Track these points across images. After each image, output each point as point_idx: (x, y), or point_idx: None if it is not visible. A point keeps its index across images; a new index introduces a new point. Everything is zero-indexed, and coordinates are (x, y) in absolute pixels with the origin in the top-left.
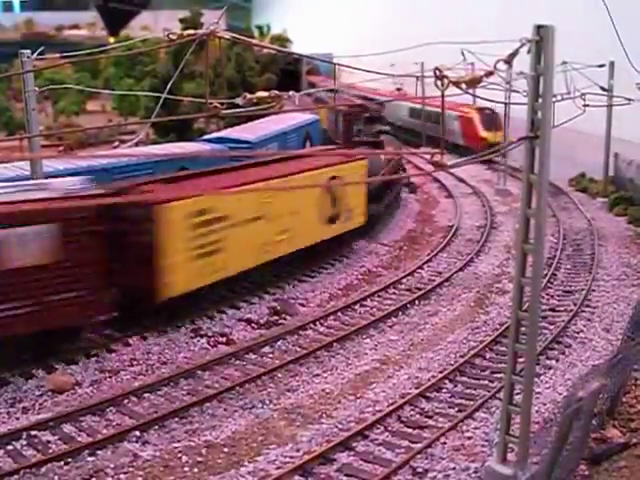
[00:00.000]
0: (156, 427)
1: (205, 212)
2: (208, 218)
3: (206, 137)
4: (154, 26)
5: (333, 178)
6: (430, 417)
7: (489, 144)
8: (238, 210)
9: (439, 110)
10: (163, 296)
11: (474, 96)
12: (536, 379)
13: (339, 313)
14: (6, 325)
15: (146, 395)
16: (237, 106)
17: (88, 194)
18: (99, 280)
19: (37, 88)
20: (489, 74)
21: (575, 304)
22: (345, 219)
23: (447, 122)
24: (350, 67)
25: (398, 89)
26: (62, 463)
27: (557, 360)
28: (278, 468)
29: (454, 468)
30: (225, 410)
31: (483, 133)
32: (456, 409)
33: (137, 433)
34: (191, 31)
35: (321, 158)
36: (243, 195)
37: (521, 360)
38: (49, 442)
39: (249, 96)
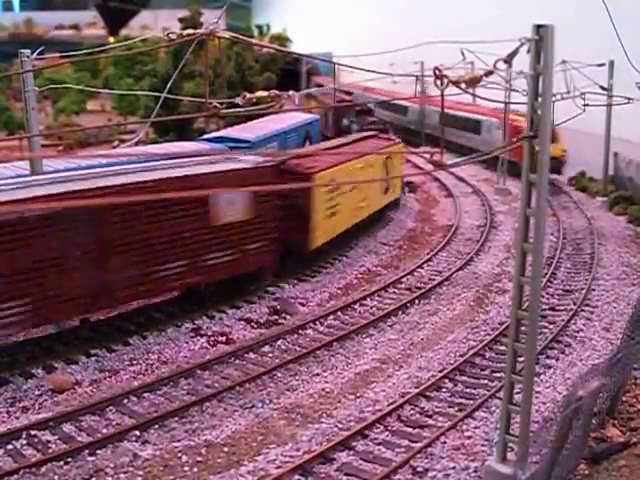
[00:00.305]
0: (156, 427)
1: (332, 182)
2: (328, 189)
3: (206, 136)
4: (154, 25)
5: (388, 158)
6: (430, 416)
7: None
8: (348, 185)
9: (470, 115)
10: (312, 247)
11: (474, 96)
12: (536, 378)
13: (339, 312)
14: (218, 270)
15: (146, 394)
16: (237, 106)
17: (271, 165)
18: (275, 234)
19: (37, 88)
20: (489, 73)
21: (575, 303)
22: (392, 191)
23: (488, 131)
24: (350, 66)
25: (423, 92)
26: (62, 463)
27: (557, 359)
28: (278, 467)
29: (454, 467)
30: (225, 410)
31: None
32: (456, 408)
33: (137, 433)
34: (191, 31)
35: (376, 142)
36: (348, 168)
37: (521, 359)
38: (49, 442)
39: (249, 96)
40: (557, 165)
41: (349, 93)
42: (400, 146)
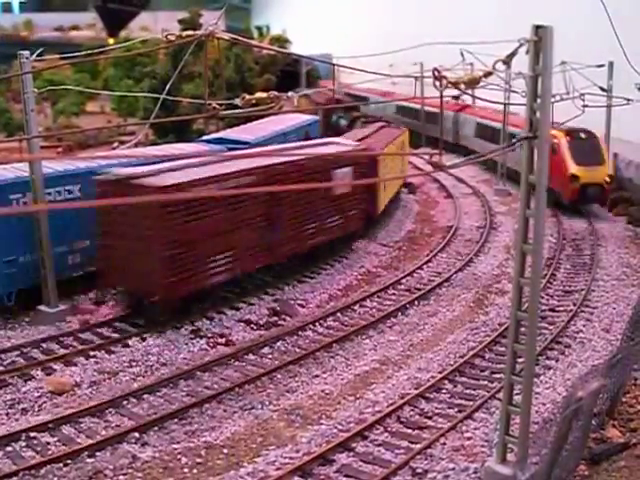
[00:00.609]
0: (155, 428)
1: (383, 160)
2: (384, 164)
3: (205, 138)
4: (153, 27)
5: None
6: (430, 418)
7: (584, 186)
8: (389, 161)
9: (507, 127)
10: (378, 212)
11: (473, 97)
12: (535, 379)
13: (338, 314)
14: (333, 232)
15: (145, 396)
16: (236, 107)
17: (360, 148)
18: (363, 203)
19: (36, 89)
20: (488, 74)
21: (574, 304)
22: (403, 172)
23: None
24: (349, 67)
25: (456, 97)
26: (61, 465)
27: (557, 360)
28: (278, 469)
29: (454, 468)
30: (224, 411)
31: (574, 169)
32: (456, 409)
33: (136, 434)
34: (190, 32)
35: (391, 130)
36: (390, 149)
37: (520, 360)
38: (48, 444)
39: (248, 97)
40: (598, 193)
41: (364, 99)
42: (407, 133)
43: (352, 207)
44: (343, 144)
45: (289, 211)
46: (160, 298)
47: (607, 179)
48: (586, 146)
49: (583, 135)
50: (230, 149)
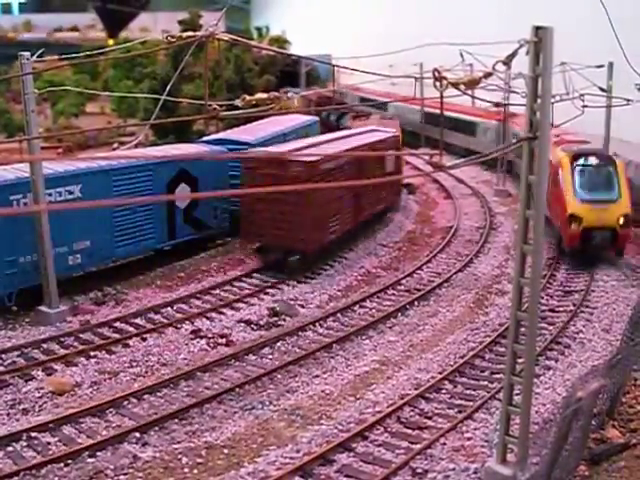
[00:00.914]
0: (156, 428)
1: None
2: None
3: (205, 139)
4: (153, 28)
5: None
6: (430, 418)
7: (588, 229)
8: None
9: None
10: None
11: (472, 97)
12: (535, 380)
13: (338, 314)
14: (384, 201)
15: (146, 396)
16: (236, 108)
17: (396, 135)
18: (397, 181)
19: (36, 90)
20: (488, 75)
21: (574, 304)
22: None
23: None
24: (348, 68)
25: (497, 105)
26: (62, 465)
27: (556, 361)
28: (278, 469)
29: (454, 469)
30: (225, 411)
31: (575, 207)
32: (456, 410)
33: (137, 434)
34: (190, 33)
35: (389, 121)
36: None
37: (520, 361)
38: (49, 444)
39: (248, 98)
40: (607, 239)
41: (380, 102)
42: (398, 122)
43: (393, 183)
44: (384, 131)
45: (365, 186)
46: (304, 251)
47: (621, 221)
48: (597, 176)
49: (594, 161)
50: (230, 150)
